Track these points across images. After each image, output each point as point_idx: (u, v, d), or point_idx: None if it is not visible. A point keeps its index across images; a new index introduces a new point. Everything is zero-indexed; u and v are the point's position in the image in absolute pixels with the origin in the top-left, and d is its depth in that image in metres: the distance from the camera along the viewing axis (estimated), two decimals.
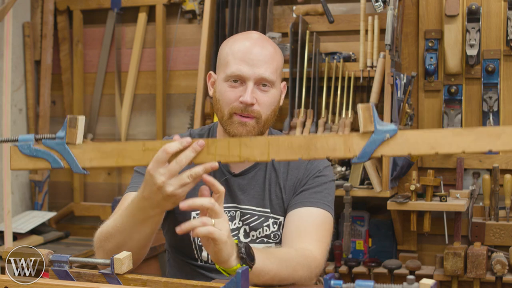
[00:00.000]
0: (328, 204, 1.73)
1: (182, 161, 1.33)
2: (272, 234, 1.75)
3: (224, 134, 1.74)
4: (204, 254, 1.75)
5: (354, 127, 3.03)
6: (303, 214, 1.69)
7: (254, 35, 1.74)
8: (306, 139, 1.31)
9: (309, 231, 1.66)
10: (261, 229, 1.74)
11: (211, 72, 1.80)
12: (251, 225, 1.74)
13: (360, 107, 1.27)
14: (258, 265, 1.41)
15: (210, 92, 1.78)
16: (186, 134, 1.83)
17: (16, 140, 1.39)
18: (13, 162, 1.39)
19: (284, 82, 1.81)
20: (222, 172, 1.77)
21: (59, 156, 1.38)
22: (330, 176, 1.79)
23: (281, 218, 1.75)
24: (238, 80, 1.67)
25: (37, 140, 1.39)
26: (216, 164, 1.34)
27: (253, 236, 1.74)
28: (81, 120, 1.38)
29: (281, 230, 1.75)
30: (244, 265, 1.36)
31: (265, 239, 1.74)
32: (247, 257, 1.37)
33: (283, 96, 1.80)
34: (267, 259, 1.46)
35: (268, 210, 1.75)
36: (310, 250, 1.61)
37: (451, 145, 1.23)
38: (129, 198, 1.60)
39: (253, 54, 1.66)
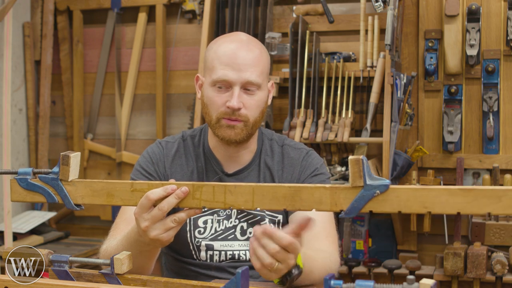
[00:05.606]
0: None
1: (164, 207, 1.36)
2: None
3: (214, 136, 1.76)
4: (203, 254, 1.74)
5: (354, 127, 3.04)
6: (312, 215, 1.69)
7: (242, 36, 1.73)
8: (291, 190, 1.28)
9: (322, 232, 1.67)
10: None
11: (199, 75, 1.80)
12: (248, 222, 1.75)
13: (350, 160, 1.22)
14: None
15: (198, 95, 1.79)
16: (179, 136, 1.85)
17: (16, 173, 1.43)
18: (13, 194, 1.44)
19: (272, 81, 1.82)
20: (215, 172, 1.78)
21: (54, 191, 1.41)
22: (327, 174, 1.82)
23: (280, 216, 1.76)
24: (224, 85, 1.67)
25: (35, 174, 1.43)
26: (199, 210, 1.37)
27: (250, 233, 1.74)
28: (74, 157, 1.40)
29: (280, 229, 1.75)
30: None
31: None
32: (288, 277, 1.35)
33: (271, 95, 1.80)
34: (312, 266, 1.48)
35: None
36: (330, 253, 1.63)
37: (445, 206, 1.17)
38: (127, 209, 1.66)
39: (238, 58, 1.66)
